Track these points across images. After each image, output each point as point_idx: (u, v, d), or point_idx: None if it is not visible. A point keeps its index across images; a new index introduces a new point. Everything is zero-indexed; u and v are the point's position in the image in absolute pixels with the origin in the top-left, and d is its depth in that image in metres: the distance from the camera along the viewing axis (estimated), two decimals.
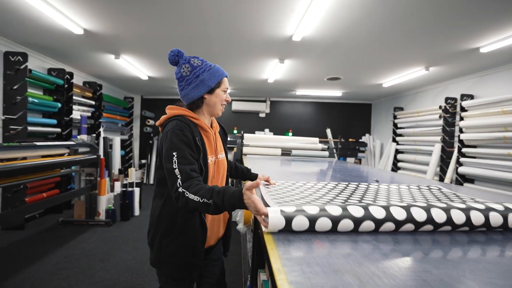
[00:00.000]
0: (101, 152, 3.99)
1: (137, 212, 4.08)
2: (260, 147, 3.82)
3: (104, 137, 4.24)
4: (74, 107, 4.34)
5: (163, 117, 1.16)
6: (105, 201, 3.58)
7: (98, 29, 2.95)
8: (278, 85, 5.62)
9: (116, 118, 5.84)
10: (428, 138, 5.11)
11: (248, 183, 0.85)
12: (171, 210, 1.10)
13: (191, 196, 0.91)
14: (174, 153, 1.00)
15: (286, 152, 3.91)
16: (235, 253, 2.85)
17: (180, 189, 0.93)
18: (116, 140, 4.99)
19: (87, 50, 3.67)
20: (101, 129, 5.00)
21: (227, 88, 1.22)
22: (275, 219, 0.66)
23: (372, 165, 7.01)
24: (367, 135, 7.42)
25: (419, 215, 0.70)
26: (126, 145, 6.69)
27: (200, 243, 1.12)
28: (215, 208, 0.89)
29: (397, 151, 6.10)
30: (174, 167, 0.97)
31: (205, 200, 0.89)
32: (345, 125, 7.50)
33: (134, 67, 4.35)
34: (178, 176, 0.96)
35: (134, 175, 4.28)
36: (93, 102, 4.86)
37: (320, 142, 4.11)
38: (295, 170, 2.20)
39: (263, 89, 6.26)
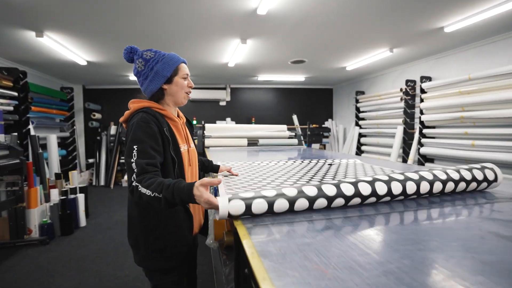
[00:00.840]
0: (30, 155, 3.27)
1: (83, 222, 3.45)
2: (224, 138, 3.43)
3: (32, 136, 3.47)
4: None
5: (127, 113, 1.13)
6: (37, 215, 2.92)
7: None
8: (239, 70, 5.21)
9: (51, 112, 4.95)
10: (390, 121, 5.15)
11: (205, 179, 0.83)
12: None
13: (143, 190, 0.91)
14: (134, 147, 0.99)
15: (252, 142, 3.58)
16: (203, 263, 2.47)
17: (134, 183, 0.93)
18: (52, 138, 4.18)
19: None
20: (31, 126, 4.16)
21: (187, 74, 1.20)
22: (224, 207, 0.69)
23: (336, 150, 7.03)
24: (329, 120, 7.41)
25: (365, 189, 0.80)
26: (67, 144, 5.78)
27: (188, 230, 1.14)
28: (165, 203, 0.88)
29: (360, 135, 6.14)
30: (132, 160, 0.97)
31: (156, 194, 0.88)
32: (308, 111, 7.38)
33: (67, 49, 3.60)
34: (134, 170, 0.95)
35: (76, 178, 3.60)
36: (15, 94, 3.98)
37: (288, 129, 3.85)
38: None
39: (223, 75, 5.80)
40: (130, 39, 3.32)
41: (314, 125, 6.99)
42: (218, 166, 1.41)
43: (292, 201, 0.72)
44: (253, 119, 7.02)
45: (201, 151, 3.50)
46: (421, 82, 4.34)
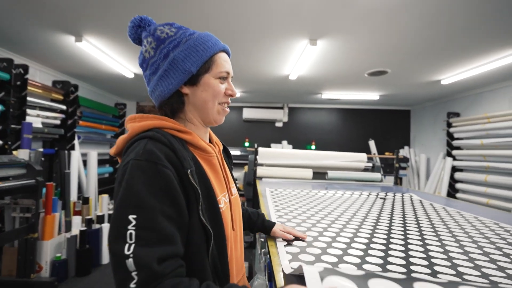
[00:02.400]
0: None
1: (105, 259, 2.86)
2: (282, 167, 2.59)
3: (59, 152, 3.10)
4: (32, 111, 3.25)
5: (121, 139, 0.66)
6: (50, 248, 2.40)
7: None
8: (301, 85, 4.42)
9: (100, 127, 4.76)
10: (507, 153, 3.74)
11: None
12: None
13: None
14: (131, 217, 0.53)
15: (318, 173, 2.67)
16: None
17: None
18: (92, 155, 3.85)
19: (34, 26, 2.60)
20: (76, 141, 3.90)
21: (228, 73, 0.73)
22: None
23: (416, 185, 5.61)
24: (406, 147, 6.07)
25: None
26: (115, 161, 5.59)
27: None
28: None
29: (454, 169, 4.71)
30: (125, 251, 0.51)
31: None
32: (379, 136, 6.17)
33: (109, 56, 3.26)
34: (133, 275, 0.49)
35: (106, 203, 3.10)
36: (63, 107, 3.79)
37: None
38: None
39: (282, 93, 5.07)
40: None
41: (387, 154, 5.75)
42: (273, 224, 0.89)
43: None
44: (313, 143, 6.08)
45: (251, 181, 2.70)
46: None
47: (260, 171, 2.50)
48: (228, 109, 0.75)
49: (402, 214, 1.27)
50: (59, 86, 3.91)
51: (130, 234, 0.52)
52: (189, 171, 0.60)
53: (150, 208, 0.54)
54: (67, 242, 2.52)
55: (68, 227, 2.68)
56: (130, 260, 0.50)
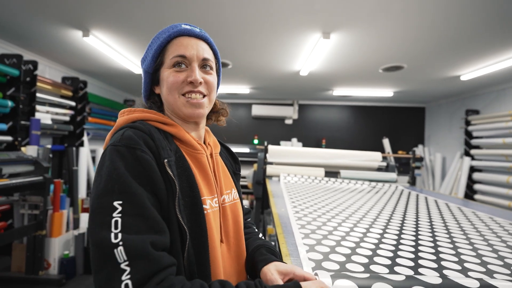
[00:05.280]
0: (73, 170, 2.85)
1: None
2: (293, 166, 2.50)
3: (67, 149, 3.09)
4: (41, 108, 3.25)
5: (109, 134, 0.62)
6: (58, 246, 2.38)
7: None
8: (312, 81, 4.30)
9: (110, 124, 4.77)
10: None
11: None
12: None
13: None
14: (116, 204, 0.47)
15: (330, 172, 2.57)
16: None
17: None
18: (101, 152, 3.84)
19: (41, 21, 2.57)
20: (85, 138, 3.90)
21: (182, 57, 0.63)
22: None
23: (431, 185, 5.43)
24: (420, 146, 5.88)
25: None
26: None
27: None
28: None
29: (473, 169, 4.52)
30: (112, 240, 0.44)
31: None
32: (393, 134, 5.98)
33: (117, 52, 3.22)
34: (123, 266, 0.42)
35: None
36: (73, 103, 3.79)
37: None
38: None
39: (292, 89, 4.96)
40: None
41: (401, 152, 5.58)
42: (268, 261, 0.63)
43: None
44: (324, 141, 5.96)
45: (261, 180, 2.63)
46: None
47: (269, 169, 2.42)
48: (196, 100, 0.64)
49: (415, 212, 1.27)
50: (69, 83, 3.91)
51: (116, 221, 0.46)
52: (166, 160, 0.56)
53: (136, 193, 0.49)
54: (75, 239, 2.51)
55: (76, 224, 2.66)
56: (120, 248, 0.44)
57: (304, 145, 5.85)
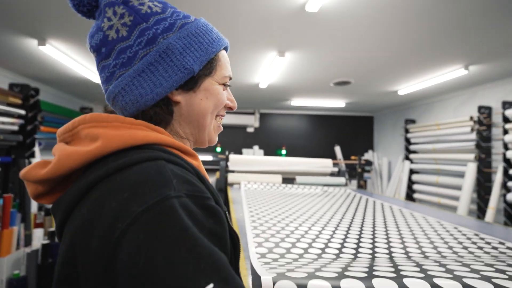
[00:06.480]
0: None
1: None
2: (253, 173, 2.68)
3: (17, 160, 2.94)
4: None
5: (76, 152, 0.38)
6: (7, 266, 2.27)
7: None
8: (272, 92, 4.57)
9: None
10: (454, 156, 4.17)
11: None
12: None
13: None
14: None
15: (287, 178, 2.80)
16: None
17: None
18: None
19: None
20: (36, 148, 3.70)
21: (230, 77, 0.54)
22: None
23: (379, 189, 6.00)
24: (370, 151, 6.48)
25: None
26: None
27: None
28: None
29: (412, 171, 5.13)
30: None
31: None
32: (345, 141, 6.52)
33: (75, 61, 3.16)
34: None
35: None
36: (22, 112, 3.58)
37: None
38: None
39: (253, 99, 5.20)
40: None
41: (354, 157, 6.10)
42: None
43: None
44: (284, 147, 6.27)
45: (223, 187, 2.77)
46: (504, 108, 3.40)
47: (231, 177, 2.57)
48: (220, 125, 0.57)
49: (354, 212, 1.47)
50: (17, 90, 3.69)
51: None
52: (226, 212, 0.44)
53: (227, 269, 0.32)
54: (27, 257, 2.40)
55: (28, 241, 2.54)
56: None
57: (265, 153, 6.11)
